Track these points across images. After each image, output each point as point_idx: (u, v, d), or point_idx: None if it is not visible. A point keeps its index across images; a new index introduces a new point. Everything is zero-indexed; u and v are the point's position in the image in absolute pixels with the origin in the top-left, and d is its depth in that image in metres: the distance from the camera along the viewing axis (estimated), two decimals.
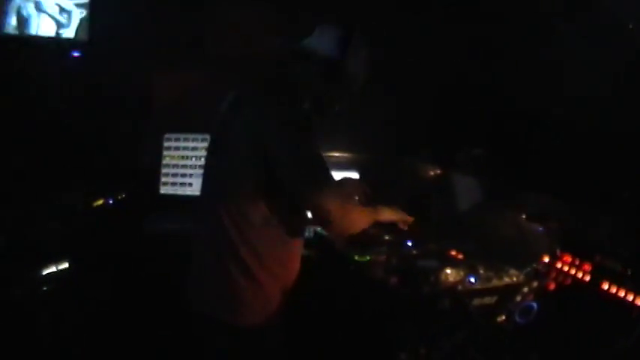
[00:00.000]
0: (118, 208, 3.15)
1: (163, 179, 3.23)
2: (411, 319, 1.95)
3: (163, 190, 3.23)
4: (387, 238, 2.43)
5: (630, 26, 2.10)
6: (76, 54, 3.36)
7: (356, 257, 2.27)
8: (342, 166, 3.07)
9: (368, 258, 2.26)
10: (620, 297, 1.66)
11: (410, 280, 2.02)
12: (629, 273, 1.69)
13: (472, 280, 2.03)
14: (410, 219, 2.27)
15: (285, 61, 2.09)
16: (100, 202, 3.09)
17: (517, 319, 1.80)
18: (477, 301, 1.94)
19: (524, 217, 2.20)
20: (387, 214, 2.21)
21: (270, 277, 1.95)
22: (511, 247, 2.25)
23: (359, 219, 2.00)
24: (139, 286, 2.87)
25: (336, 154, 3.14)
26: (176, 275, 2.66)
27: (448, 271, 2.05)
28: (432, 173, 3.02)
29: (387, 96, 3.10)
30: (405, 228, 2.26)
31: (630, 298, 1.63)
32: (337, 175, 2.82)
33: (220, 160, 2.05)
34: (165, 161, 3.22)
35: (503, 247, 2.28)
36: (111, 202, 3.13)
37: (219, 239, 1.94)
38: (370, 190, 2.52)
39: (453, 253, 2.32)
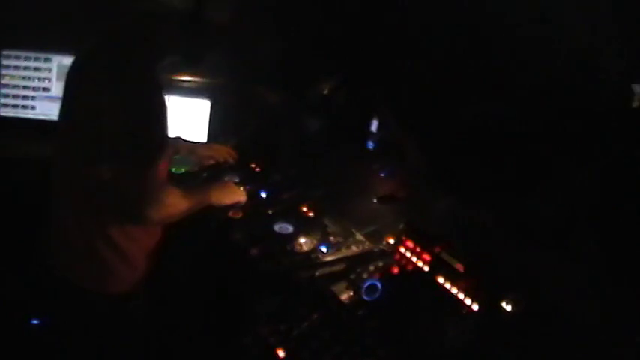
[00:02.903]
0: None
1: (3, 100, 3.00)
2: (271, 293, 2.07)
3: (3, 112, 3.01)
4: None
5: None
6: None
7: (173, 169, 2.37)
8: (193, 91, 3.02)
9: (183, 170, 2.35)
10: (453, 293, 1.87)
11: (268, 252, 2.13)
12: (463, 271, 1.88)
13: (323, 249, 2.17)
14: (243, 199, 2.34)
15: (141, 23, 1.97)
16: None
17: (364, 295, 1.96)
18: (326, 270, 2.09)
19: (374, 200, 2.33)
20: (221, 197, 2.26)
21: (134, 243, 1.99)
22: (359, 208, 2.43)
23: (174, 208, 1.98)
24: None
25: (188, 79, 3.06)
26: (24, 205, 2.64)
27: (302, 240, 2.20)
28: (280, 103, 3.06)
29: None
30: (238, 216, 2.31)
31: (461, 296, 1.85)
32: (189, 102, 2.83)
33: (68, 126, 1.98)
34: (4, 81, 2.97)
35: (351, 204, 2.46)
36: None
37: (80, 209, 1.92)
38: (232, 153, 2.64)
39: (304, 209, 2.44)
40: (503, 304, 1.74)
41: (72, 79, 1.98)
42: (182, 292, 2.33)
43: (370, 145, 2.48)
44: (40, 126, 2.99)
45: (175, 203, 1.99)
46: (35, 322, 2.65)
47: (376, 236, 2.27)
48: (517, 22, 1.97)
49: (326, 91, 2.84)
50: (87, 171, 1.85)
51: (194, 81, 2.95)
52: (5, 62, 2.95)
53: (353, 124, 2.61)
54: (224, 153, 2.71)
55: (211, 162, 2.67)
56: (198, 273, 2.29)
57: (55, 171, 2.05)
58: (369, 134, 2.48)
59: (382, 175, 2.49)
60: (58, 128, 2.11)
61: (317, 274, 2.04)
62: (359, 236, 2.27)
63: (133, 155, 1.81)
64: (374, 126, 2.44)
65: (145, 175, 1.84)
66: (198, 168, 2.63)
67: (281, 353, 1.82)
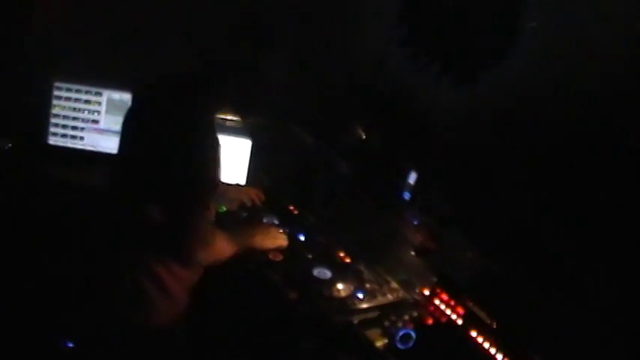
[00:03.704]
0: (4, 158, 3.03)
1: (52, 130, 3.11)
2: (307, 334, 2.15)
3: (52, 141, 3.13)
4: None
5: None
6: None
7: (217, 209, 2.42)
8: (234, 130, 3.12)
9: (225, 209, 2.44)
10: (485, 348, 1.95)
11: (307, 297, 2.21)
12: (494, 327, 1.96)
13: (360, 295, 2.25)
14: (285, 243, 2.44)
15: (196, 73, 2.09)
16: None
17: (398, 344, 2.04)
18: (362, 317, 2.17)
19: (412, 253, 2.42)
20: (265, 241, 2.37)
21: (177, 281, 2.07)
22: (392, 256, 2.52)
23: (221, 252, 2.11)
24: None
25: (230, 118, 3.17)
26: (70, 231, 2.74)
27: (340, 286, 2.28)
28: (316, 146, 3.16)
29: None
30: (278, 259, 2.40)
31: (493, 351, 1.93)
32: (230, 141, 2.93)
33: (124, 164, 2.10)
34: (54, 111, 3.09)
35: (384, 251, 2.55)
36: None
37: (128, 245, 2.03)
38: (261, 196, 2.76)
39: (342, 254, 2.53)
40: None
41: (132, 120, 2.10)
42: (220, 330, 2.41)
43: (406, 195, 2.57)
44: (88, 156, 3.11)
45: (223, 247, 2.11)
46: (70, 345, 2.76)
47: (409, 285, 2.35)
48: None
49: (360, 136, 2.96)
50: (140, 210, 1.97)
51: (235, 120, 3.05)
52: (57, 93, 3.08)
53: (388, 171, 2.71)
54: (252, 195, 2.82)
55: (238, 203, 2.77)
56: (236, 312, 2.37)
57: (107, 206, 2.17)
58: (404, 184, 2.58)
59: (415, 222, 2.58)
60: (113, 165, 2.24)
61: (353, 320, 2.12)
62: (393, 284, 2.35)
63: (186, 196, 1.93)
64: (412, 178, 2.53)
65: (196, 217, 1.95)
66: (237, 207, 2.72)
67: None
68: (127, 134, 2.10)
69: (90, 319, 2.13)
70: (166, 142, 1.91)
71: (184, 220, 1.95)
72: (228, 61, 2.06)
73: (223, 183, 2.69)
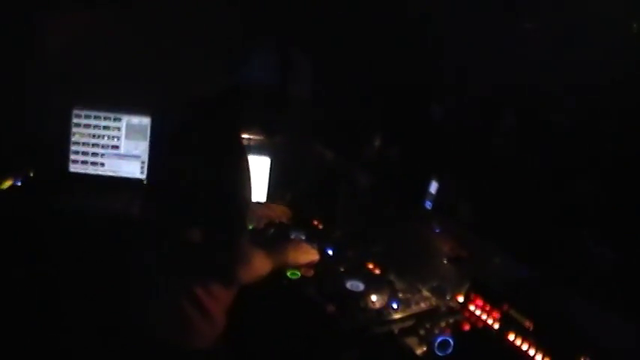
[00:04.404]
0: (27, 188, 3.07)
1: (73, 157, 3.17)
2: (349, 347, 2.20)
3: (73, 168, 3.18)
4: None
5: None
6: None
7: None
8: (253, 148, 3.17)
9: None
10: (523, 350, 2.01)
11: (345, 310, 2.24)
12: (532, 328, 2.03)
13: (394, 305, 2.29)
14: (316, 258, 2.49)
15: (225, 98, 2.15)
16: (9, 183, 2.99)
17: (436, 351, 2.09)
18: (398, 326, 2.22)
19: (444, 261, 2.48)
20: (297, 257, 2.42)
21: (216, 301, 2.11)
22: (420, 265, 2.57)
23: (260, 269, 2.14)
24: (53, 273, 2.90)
25: (249, 137, 3.23)
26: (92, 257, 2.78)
27: (374, 297, 2.32)
28: (336, 160, 3.22)
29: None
30: (310, 274, 2.45)
31: (532, 352, 1.99)
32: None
33: (160, 189, 2.15)
34: (74, 138, 3.15)
35: (412, 261, 2.60)
36: (19, 183, 3.04)
37: (168, 268, 2.07)
38: (288, 213, 2.84)
39: (371, 266, 2.58)
40: None
41: (163, 145, 2.16)
42: (260, 349, 2.45)
43: (428, 204, 2.63)
44: (109, 182, 3.17)
45: (261, 265, 2.14)
46: None
47: (440, 292, 2.40)
48: None
49: (379, 148, 3.03)
50: (179, 234, 2.01)
51: (255, 139, 3.11)
52: (76, 121, 3.14)
53: (408, 182, 2.77)
54: (279, 212, 2.87)
55: (266, 221, 2.81)
56: (275, 329, 2.42)
57: (143, 231, 2.21)
58: (426, 194, 2.64)
59: (437, 231, 2.65)
60: (147, 190, 2.28)
61: (394, 329, 2.18)
62: (425, 292, 2.41)
63: (224, 217, 1.97)
64: (433, 187, 2.59)
65: (235, 236, 2.00)
66: (263, 225, 2.77)
67: None
68: (158, 159, 2.16)
69: (132, 343, 2.17)
70: (201, 164, 1.97)
71: (224, 240, 2.00)
72: (259, 84, 2.12)
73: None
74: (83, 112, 3.14)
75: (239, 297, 2.21)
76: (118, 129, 3.14)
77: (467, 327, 2.17)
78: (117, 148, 3.16)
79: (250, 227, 2.69)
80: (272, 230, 2.75)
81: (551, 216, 2.22)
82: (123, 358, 2.24)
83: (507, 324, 2.09)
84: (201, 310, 2.08)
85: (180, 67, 3.14)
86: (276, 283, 2.37)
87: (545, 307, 2.05)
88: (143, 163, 3.18)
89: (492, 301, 2.16)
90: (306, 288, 2.37)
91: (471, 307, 2.22)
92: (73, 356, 2.78)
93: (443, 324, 2.19)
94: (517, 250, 2.22)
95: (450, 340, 2.10)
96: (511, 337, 2.05)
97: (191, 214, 1.99)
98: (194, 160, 1.99)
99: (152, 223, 2.16)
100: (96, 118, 3.15)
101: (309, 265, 2.46)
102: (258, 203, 2.95)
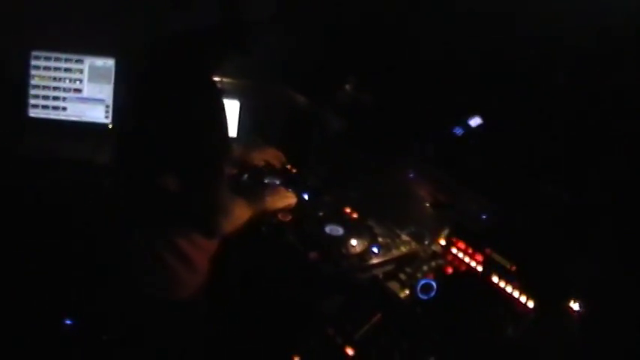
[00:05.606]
0: None
1: (33, 101, 3.01)
2: (333, 294, 2.17)
3: (33, 113, 3.03)
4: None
5: None
6: None
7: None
8: (223, 92, 3.07)
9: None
10: (506, 292, 2.02)
11: (327, 255, 2.21)
12: (514, 270, 2.04)
13: (375, 250, 2.27)
14: (294, 202, 2.43)
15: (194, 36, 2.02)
16: None
17: (419, 294, 2.08)
18: (380, 270, 2.20)
19: (427, 205, 2.46)
20: (275, 202, 2.35)
21: (199, 251, 2.06)
22: (397, 209, 2.56)
23: (240, 217, 2.07)
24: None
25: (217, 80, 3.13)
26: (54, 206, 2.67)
27: (354, 242, 2.29)
28: (308, 104, 3.15)
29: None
30: (288, 219, 2.39)
31: (515, 294, 2.00)
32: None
33: (139, 126, 2.02)
34: (34, 82, 2.99)
35: (388, 205, 2.58)
36: None
37: (147, 219, 1.99)
38: (281, 157, 2.75)
39: (348, 210, 2.55)
40: (559, 301, 1.90)
41: (132, 89, 2.04)
42: (244, 297, 2.42)
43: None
44: (72, 127, 3.04)
45: (242, 214, 2.08)
46: (68, 322, 2.73)
47: (420, 237, 2.39)
48: None
49: (351, 92, 2.96)
50: (154, 182, 1.92)
51: (223, 82, 3.00)
52: (35, 63, 2.97)
53: (383, 127, 2.73)
54: (272, 155, 2.79)
55: (262, 164, 2.75)
56: (257, 275, 2.38)
57: (119, 182, 2.12)
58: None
59: (411, 176, 2.63)
60: (118, 139, 2.16)
61: (376, 274, 2.16)
62: (404, 237, 2.39)
63: (199, 162, 1.87)
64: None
65: (212, 183, 1.91)
66: (237, 170, 2.70)
67: (350, 352, 1.94)
68: (124, 102, 2.04)
69: (113, 295, 2.12)
70: (173, 107, 1.82)
71: (201, 187, 1.89)
72: (228, 24, 1.99)
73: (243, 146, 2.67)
74: (43, 54, 2.97)
75: (221, 245, 2.17)
76: (80, 71, 3.00)
77: (450, 270, 2.17)
78: (79, 91, 3.02)
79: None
80: (246, 175, 2.68)
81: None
82: (108, 312, 2.19)
83: (490, 267, 2.09)
84: (184, 260, 2.02)
85: (144, 6, 2.97)
86: (256, 229, 2.33)
87: (527, 250, 2.06)
88: (108, 107, 3.05)
89: (474, 245, 2.16)
90: (285, 234, 2.33)
91: (454, 251, 2.21)
92: (55, 312, 2.71)
93: (425, 268, 2.19)
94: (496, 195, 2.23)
95: (433, 284, 2.09)
96: (495, 279, 2.06)
97: (163, 159, 1.88)
98: (163, 101, 1.86)
99: (128, 174, 2.07)
100: (56, 60, 2.99)
101: (287, 210, 2.42)
102: (250, 146, 2.86)
